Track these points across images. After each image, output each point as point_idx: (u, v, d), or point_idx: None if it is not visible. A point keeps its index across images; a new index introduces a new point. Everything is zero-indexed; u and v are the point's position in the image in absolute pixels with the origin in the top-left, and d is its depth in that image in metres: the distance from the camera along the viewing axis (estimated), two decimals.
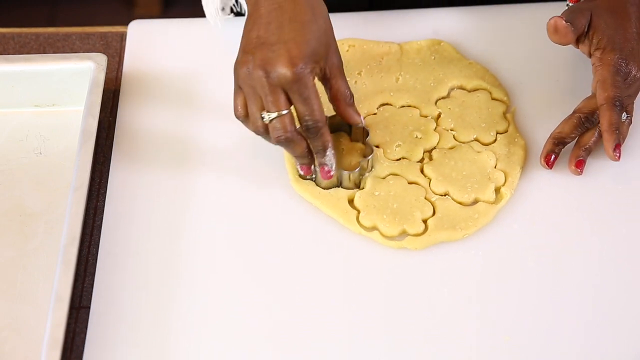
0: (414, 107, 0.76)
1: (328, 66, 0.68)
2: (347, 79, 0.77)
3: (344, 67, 0.77)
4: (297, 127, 0.67)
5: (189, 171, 0.73)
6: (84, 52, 0.83)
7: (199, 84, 0.79)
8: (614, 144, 0.68)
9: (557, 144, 0.72)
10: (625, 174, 0.72)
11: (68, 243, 0.64)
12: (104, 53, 0.78)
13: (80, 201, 0.67)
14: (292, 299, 0.65)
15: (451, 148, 0.73)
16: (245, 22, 0.68)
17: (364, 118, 0.73)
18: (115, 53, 0.83)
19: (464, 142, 0.74)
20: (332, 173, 0.69)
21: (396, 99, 0.76)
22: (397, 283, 0.66)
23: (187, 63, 0.81)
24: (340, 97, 0.70)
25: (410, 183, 0.71)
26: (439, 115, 0.75)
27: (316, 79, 0.67)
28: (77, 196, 0.67)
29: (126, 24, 0.87)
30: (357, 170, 0.71)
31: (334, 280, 0.66)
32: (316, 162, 0.69)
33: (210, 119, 0.77)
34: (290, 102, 0.66)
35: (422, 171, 0.72)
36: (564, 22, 0.69)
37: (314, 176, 0.71)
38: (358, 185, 0.71)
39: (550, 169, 0.71)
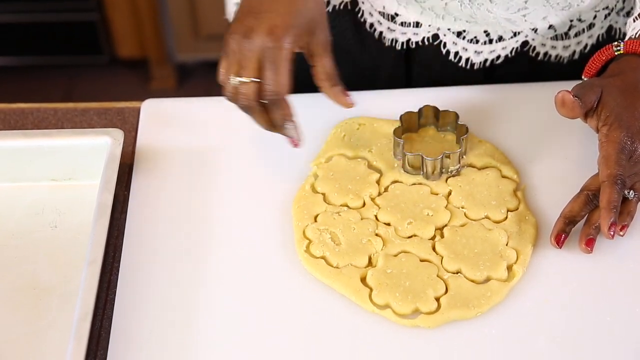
0: (425, 184, 0.77)
1: (314, 43, 0.70)
2: (358, 155, 0.79)
3: (356, 143, 0.80)
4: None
5: (201, 245, 0.73)
6: (101, 127, 0.84)
7: (210, 159, 0.80)
8: (609, 222, 0.68)
9: (568, 223, 0.72)
10: (635, 252, 0.72)
11: (81, 318, 0.64)
12: (120, 128, 0.79)
13: (94, 275, 0.67)
14: None
15: (462, 225, 0.73)
16: None
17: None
18: (132, 128, 0.84)
19: (475, 220, 0.74)
20: (298, 144, 0.70)
21: (407, 177, 0.77)
22: None
23: (199, 140, 0.82)
24: (324, 76, 0.72)
25: (422, 260, 0.71)
26: (449, 193, 0.76)
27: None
28: (92, 270, 0.67)
29: (143, 97, 0.89)
30: (439, 157, 0.74)
31: (347, 358, 0.66)
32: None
33: (221, 194, 0.77)
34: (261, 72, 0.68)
35: (433, 249, 0.72)
36: (571, 96, 0.70)
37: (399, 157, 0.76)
38: (441, 173, 0.75)
39: (560, 248, 0.71)
